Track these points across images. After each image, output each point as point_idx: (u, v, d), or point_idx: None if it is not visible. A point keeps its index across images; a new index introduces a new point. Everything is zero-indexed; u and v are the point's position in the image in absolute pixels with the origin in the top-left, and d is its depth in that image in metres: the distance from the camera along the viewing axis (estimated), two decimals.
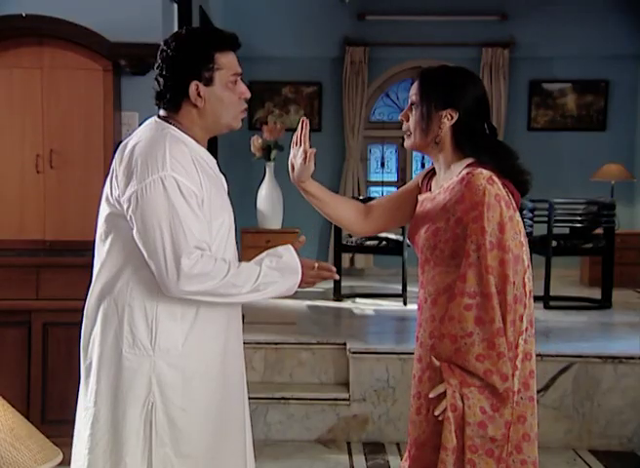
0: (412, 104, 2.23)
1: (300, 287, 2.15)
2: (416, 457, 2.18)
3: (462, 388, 2.02)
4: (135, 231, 2.00)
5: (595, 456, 4.33)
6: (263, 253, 2.13)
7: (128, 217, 2.02)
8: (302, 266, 2.12)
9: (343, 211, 2.42)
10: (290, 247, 2.14)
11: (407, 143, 2.28)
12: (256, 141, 6.96)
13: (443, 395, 2.04)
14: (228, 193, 2.25)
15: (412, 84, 2.27)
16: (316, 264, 2.16)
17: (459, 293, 2.04)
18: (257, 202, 7.04)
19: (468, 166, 2.14)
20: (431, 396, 2.04)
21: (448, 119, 2.17)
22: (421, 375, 2.20)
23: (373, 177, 8.47)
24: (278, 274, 2.08)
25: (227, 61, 2.12)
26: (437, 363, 2.07)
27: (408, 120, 2.24)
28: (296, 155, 2.29)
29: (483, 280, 2.03)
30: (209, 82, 2.09)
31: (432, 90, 2.19)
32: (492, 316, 2.02)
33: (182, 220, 1.96)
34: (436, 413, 2.03)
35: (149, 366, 2.04)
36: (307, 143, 2.28)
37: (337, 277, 2.23)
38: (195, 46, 2.09)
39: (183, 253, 1.96)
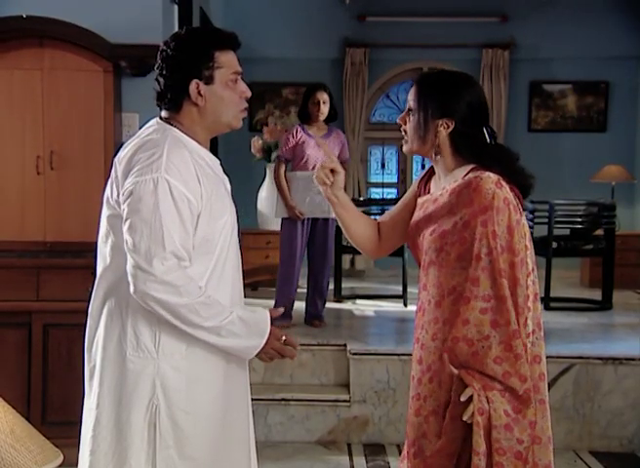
0: (409, 109, 2.23)
1: (259, 354, 2.10)
2: (422, 461, 2.17)
3: (486, 392, 2.02)
4: (123, 223, 2.00)
5: (596, 457, 4.33)
6: (239, 307, 2.11)
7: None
8: (270, 333, 2.09)
9: (364, 226, 2.42)
10: (267, 311, 2.13)
11: (405, 149, 2.29)
12: (256, 142, 6.97)
13: (468, 400, 2.03)
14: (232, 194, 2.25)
15: (411, 88, 2.27)
16: (284, 337, 2.13)
17: (472, 297, 2.04)
18: (257, 203, 7.05)
19: (473, 170, 2.14)
20: (463, 399, 2.02)
21: (444, 127, 2.17)
22: (421, 377, 2.19)
23: (373, 179, 8.47)
24: (245, 329, 2.05)
25: (227, 60, 2.12)
26: (455, 371, 2.06)
27: (405, 124, 2.25)
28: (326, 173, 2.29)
29: (497, 283, 2.03)
30: (209, 81, 2.09)
31: (429, 98, 2.18)
32: (507, 318, 2.02)
33: (164, 224, 1.95)
34: (465, 418, 2.02)
35: (153, 368, 2.03)
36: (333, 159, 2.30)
37: (294, 357, 2.18)
38: (195, 45, 2.09)
39: (157, 256, 1.94)
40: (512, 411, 2.03)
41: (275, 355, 2.12)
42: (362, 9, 7.99)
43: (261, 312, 2.12)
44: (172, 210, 1.96)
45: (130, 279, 1.97)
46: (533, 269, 2.10)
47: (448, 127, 2.17)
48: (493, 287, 2.03)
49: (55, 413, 4.03)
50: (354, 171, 8.06)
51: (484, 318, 2.03)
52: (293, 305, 5.38)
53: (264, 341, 2.08)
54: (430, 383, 2.15)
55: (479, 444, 2.00)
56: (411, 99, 2.23)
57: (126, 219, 1.98)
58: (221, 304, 2.04)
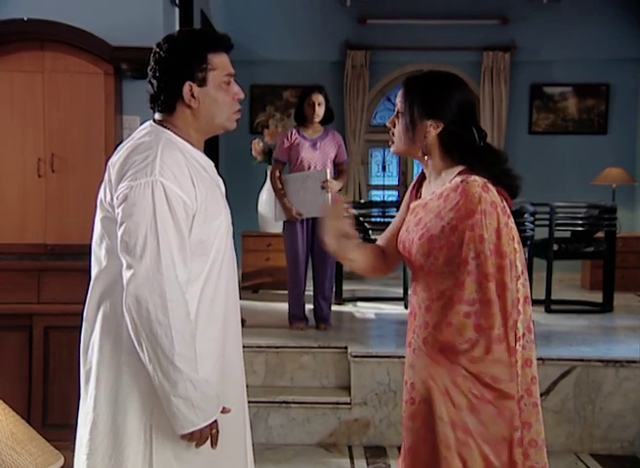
0: (398, 112, 2.24)
1: (193, 432, 1.98)
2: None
3: (453, 375, 2.05)
4: (117, 227, 1.99)
5: (597, 460, 4.32)
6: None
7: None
8: (215, 422, 2.02)
9: (373, 260, 2.42)
10: (220, 405, 2.05)
11: (392, 149, 2.30)
12: (257, 145, 6.97)
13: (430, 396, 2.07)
14: (227, 196, 2.24)
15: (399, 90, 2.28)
16: (214, 430, 2.03)
17: (457, 301, 2.05)
18: (257, 206, 7.04)
19: (461, 173, 2.14)
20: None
21: (434, 128, 2.17)
22: (415, 382, 2.19)
23: (374, 181, 8.48)
24: (198, 400, 1.96)
25: (220, 62, 2.12)
26: (424, 347, 2.09)
27: (395, 126, 2.25)
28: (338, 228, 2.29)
29: (482, 287, 2.03)
30: (202, 82, 2.09)
31: (416, 100, 2.19)
32: (491, 323, 2.03)
33: (160, 228, 1.94)
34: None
35: (149, 370, 2.02)
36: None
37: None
38: (188, 47, 2.09)
39: (153, 259, 1.93)
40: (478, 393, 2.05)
41: (199, 441, 2.02)
42: (363, 11, 8.00)
43: (218, 401, 2.05)
44: (167, 213, 1.96)
45: (124, 282, 1.96)
46: (522, 272, 2.10)
47: (437, 127, 2.17)
48: (478, 290, 2.04)
49: (55, 416, 4.03)
50: (355, 173, 8.06)
51: (467, 322, 2.04)
52: (304, 307, 5.38)
53: (207, 423, 2.00)
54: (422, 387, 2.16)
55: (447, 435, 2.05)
56: (399, 102, 2.24)
57: (121, 223, 1.97)
58: (196, 360, 1.97)
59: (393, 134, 2.27)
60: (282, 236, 5.50)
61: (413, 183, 2.40)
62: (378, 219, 6.84)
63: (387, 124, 2.28)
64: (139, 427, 2.03)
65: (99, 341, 2.08)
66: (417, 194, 2.33)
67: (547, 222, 6.09)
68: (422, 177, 2.34)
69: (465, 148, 2.17)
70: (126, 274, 1.95)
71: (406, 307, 6.06)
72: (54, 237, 4.19)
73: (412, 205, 2.30)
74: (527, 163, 7.35)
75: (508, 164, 2.21)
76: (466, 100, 2.21)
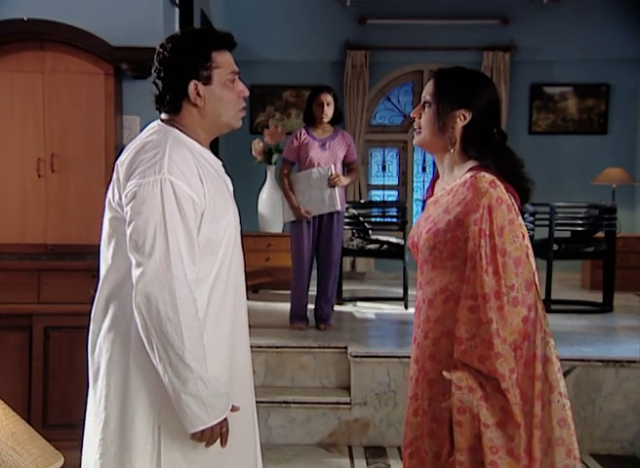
0: (425, 103, 2.23)
1: (203, 431, 1.97)
2: (419, 462, 2.18)
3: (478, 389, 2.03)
4: (126, 225, 1.99)
5: (597, 460, 4.33)
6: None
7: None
8: (223, 420, 2.01)
9: None
10: (230, 403, 2.04)
11: (416, 139, 2.27)
12: (257, 145, 6.98)
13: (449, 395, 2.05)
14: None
15: (426, 82, 2.28)
16: (224, 428, 2.03)
17: (463, 296, 2.06)
18: (258, 206, 7.05)
19: (472, 169, 2.15)
20: (446, 375, 2.05)
21: (461, 119, 2.17)
22: (418, 377, 2.20)
23: (374, 181, 8.47)
24: (208, 398, 1.95)
25: (224, 60, 2.13)
26: (448, 376, 2.07)
27: (420, 117, 2.25)
28: None
29: (480, 281, 2.04)
30: (207, 81, 2.09)
31: (448, 89, 2.19)
32: (490, 317, 2.02)
33: (168, 226, 1.94)
34: (442, 405, 2.06)
35: (157, 370, 2.02)
36: None
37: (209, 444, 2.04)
38: (192, 46, 2.10)
39: (162, 258, 1.93)
40: (500, 411, 2.03)
41: (209, 440, 2.01)
42: (363, 11, 8.00)
43: (228, 399, 2.04)
44: (176, 211, 1.96)
45: (133, 280, 1.96)
46: (536, 268, 2.12)
47: (464, 119, 2.17)
48: (479, 285, 2.04)
49: (55, 416, 4.03)
50: None
51: (472, 317, 2.04)
52: (306, 307, 5.37)
53: (214, 423, 1.98)
54: (423, 382, 2.17)
55: (460, 442, 2.02)
56: (428, 92, 2.23)
57: (130, 222, 1.97)
58: (205, 358, 1.97)
59: (418, 126, 2.25)
60: (282, 236, 5.51)
61: (429, 184, 2.41)
62: (377, 219, 6.85)
63: (412, 114, 2.28)
64: (146, 428, 2.03)
65: (107, 341, 2.08)
66: (432, 193, 2.35)
67: (547, 222, 6.10)
68: (437, 177, 2.35)
69: (485, 145, 2.18)
70: (135, 272, 1.95)
71: (406, 307, 6.07)
72: (54, 237, 4.19)
73: (427, 203, 2.33)
74: (527, 163, 7.21)
75: (524, 169, 2.22)
76: (495, 98, 2.23)
